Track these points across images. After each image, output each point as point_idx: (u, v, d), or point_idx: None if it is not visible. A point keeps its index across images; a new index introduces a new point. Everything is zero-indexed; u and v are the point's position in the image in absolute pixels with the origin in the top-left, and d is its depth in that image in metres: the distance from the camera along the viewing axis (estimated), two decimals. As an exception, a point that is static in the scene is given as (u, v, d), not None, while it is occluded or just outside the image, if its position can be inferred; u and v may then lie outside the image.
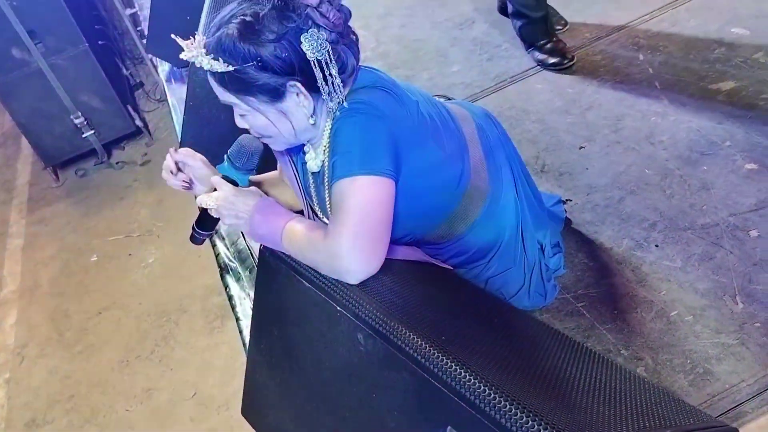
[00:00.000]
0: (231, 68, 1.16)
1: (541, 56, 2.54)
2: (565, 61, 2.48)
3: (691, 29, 2.44)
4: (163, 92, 5.20)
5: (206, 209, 1.31)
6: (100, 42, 4.90)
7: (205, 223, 1.35)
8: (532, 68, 2.54)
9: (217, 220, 1.34)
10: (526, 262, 1.57)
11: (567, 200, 1.90)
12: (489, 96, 2.47)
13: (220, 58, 1.16)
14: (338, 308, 1.10)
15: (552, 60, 2.51)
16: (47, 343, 3.67)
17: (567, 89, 2.37)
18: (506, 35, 2.79)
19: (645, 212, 1.81)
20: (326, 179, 1.31)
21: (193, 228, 1.36)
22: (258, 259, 1.31)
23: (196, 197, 1.38)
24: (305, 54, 1.15)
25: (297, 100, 1.22)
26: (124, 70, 5.50)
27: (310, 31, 1.15)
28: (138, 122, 4.97)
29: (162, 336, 3.44)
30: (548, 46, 2.53)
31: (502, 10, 2.82)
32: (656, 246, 1.72)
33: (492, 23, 2.91)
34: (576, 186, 1.96)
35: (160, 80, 4.94)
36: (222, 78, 1.19)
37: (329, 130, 1.26)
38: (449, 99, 2.17)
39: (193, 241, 1.38)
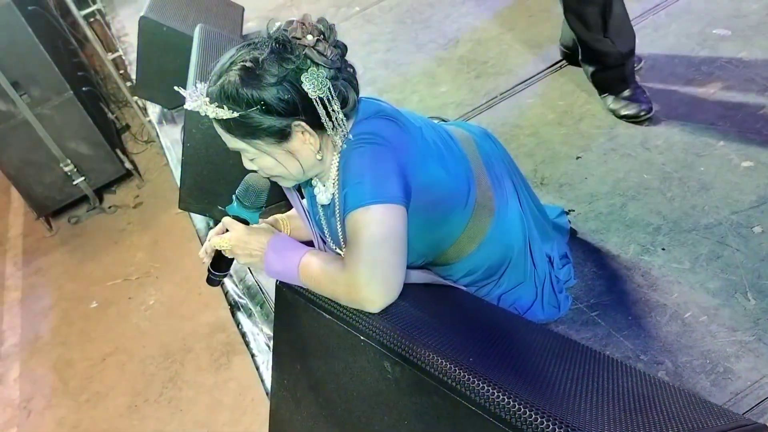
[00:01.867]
0: (236, 114, 1.18)
1: (614, 105, 2.24)
2: (642, 114, 2.17)
3: (674, 33, 2.48)
4: (150, 134, 5.21)
5: (220, 251, 1.32)
6: (84, 88, 4.92)
7: (220, 264, 1.35)
8: (521, 83, 2.57)
9: (232, 260, 1.35)
10: (537, 276, 1.58)
11: (570, 211, 1.91)
12: (481, 114, 2.49)
13: (224, 106, 1.18)
14: (362, 338, 1.10)
15: (627, 111, 2.20)
16: (53, 395, 3.63)
17: (558, 102, 2.39)
18: (492, 52, 2.82)
19: (648, 217, 1.83)
20: (338, 211, 1.32)
21: (208, 270, 1.37)
22: (275, 294, 1.31)
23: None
24: (307, 93, 1.18)
25: (303, 138, 1.23)
26: (110, 114, 5.51)
27: (309, 70, 1.17)
28: (127, 165, 4.98)
29: (169, 377, 3.41)
30: (625, 93, 2.23)
31: (568, 57, 2.51)
32: (663, 249, 1.73)
33: (476, 41, 2.95)
34: (577, 196, 1.97)
35: (146, 122, 4.96)
36: (228, 125, 1.21)
37: (337, 163, 1.28)
38: (444, 120, 2.20)
39: (210, 284, 1.39)
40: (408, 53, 3.07)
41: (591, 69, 2.28)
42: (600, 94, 2.30)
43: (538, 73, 2.59)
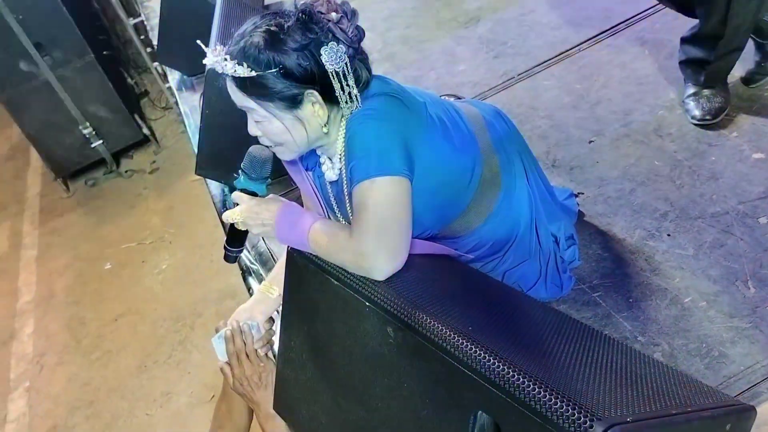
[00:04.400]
0: (254, 74, 1.22)
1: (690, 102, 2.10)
2: (708, 117, 2.04)
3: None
4: (168, 100, 5.25)
5: (233, 226, 1.36)
6: (105, 52, 4.95)
7: (235, 239, 1.39)
8: (539, 65, 2.57)
9: (246, 234, 1.39)
10: (541, 254, 1.61)
11: (579, 193, 1.94)
12: (497, 94, 2.50)
13: (244, 63, 1.22)
14: (367, 304, 1.14)
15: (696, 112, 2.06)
16: (65, 351, 3.72)
17: (575, 85, 2.40)
18: (512, 33, 2.82)
19: (656, 203, 1.85)
20: (345, 186, 1.36)
21: (224, 248, 1.40)
22: (286, 260, 1.35)
23: (221, 215, 1.43)
24: (324, 65, 1.22)
25: (313, 109, 1.28)
26: (129, 79, 5.55)
27: (329, 44, 1.21)
28: (145, 130, 5.02)
29: (178, 340, 3.48)
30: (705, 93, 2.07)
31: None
32: (668, 235, 1.76)
33: (497, 21, 2.95)
34: (587, 179, 1.99)
35: (165, 89, 4.99)
36: (243, 83, 1.24)
37: (343, 138, 1.32)
38: (459, 98, 2.21)
39: (227, 260, 1.43)
40: (428, 30, 3.08)
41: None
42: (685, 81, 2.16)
43: (556, 56, 2.60)
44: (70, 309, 4.00)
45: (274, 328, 1.55)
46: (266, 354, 1.51)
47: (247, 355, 1.47)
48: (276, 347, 1.49)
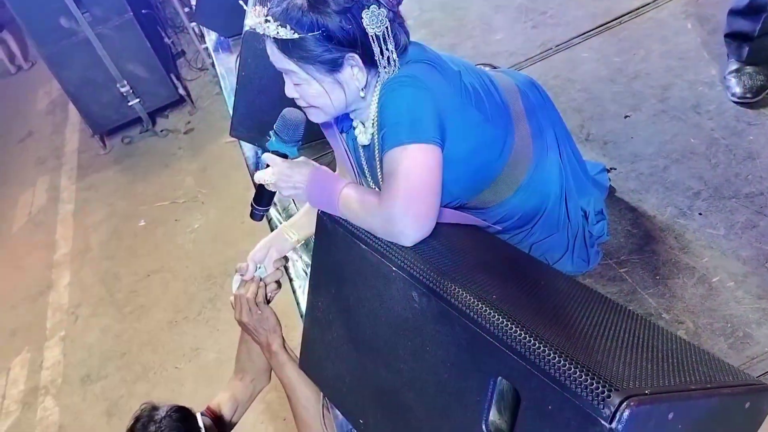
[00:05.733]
0: (296, 36, 1.21)
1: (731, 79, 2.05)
2: (749, 95, 1.99)
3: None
4: (204, 61, 5.28)
5: (262, 186, 1.38)
6: (143, 11, 4.98)
7: (262, 198, 1.41)
8: (578, 36, 2.53)
9: (273, 194, 1.41)
10: (570, 228, 1.61)
11: (611, 168, 1.92)
12: (534, 64, 2.47)
13: (287, 25, 1.21)
14: (394, 269, 1.16)
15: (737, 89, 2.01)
16: (99, 304, 3.83)
17: (613, 58, 2.36)
18: (552, 2, 2.77)
19: (689, 181, 1.83)
20: (377, 151, 1.37)
21: (251, 205, 1.42)
22: (316, 223, 1.37)
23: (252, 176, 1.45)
24: (366, 29, 1.21)
25: (352, 72, 1.28)
26: (166, 39, 5.58)
27: (371, 7, 1.21)
28: (181, 91, 5.06)
29: (208, 298, 3.56)
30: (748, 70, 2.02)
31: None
32: (700, 214, 1.74)
33: (536, -10, 2.90)
34: (620, 155, 1.98)
35: (202, 49, 5.02)
36: (285, 45, 1.24)
37: (377, 104, 1.32)
38: (494, 68, 2.20)
39: (253, 218, 1.45)
40: (466, -3, 3.05)
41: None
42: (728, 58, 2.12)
43: (596, 27, 2.54)
44: (105, 263, 4.11)
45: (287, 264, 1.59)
46: (267, 298, 1.56)
47: (249, 305, 1.52)
48: (301, 302, 1.52)
